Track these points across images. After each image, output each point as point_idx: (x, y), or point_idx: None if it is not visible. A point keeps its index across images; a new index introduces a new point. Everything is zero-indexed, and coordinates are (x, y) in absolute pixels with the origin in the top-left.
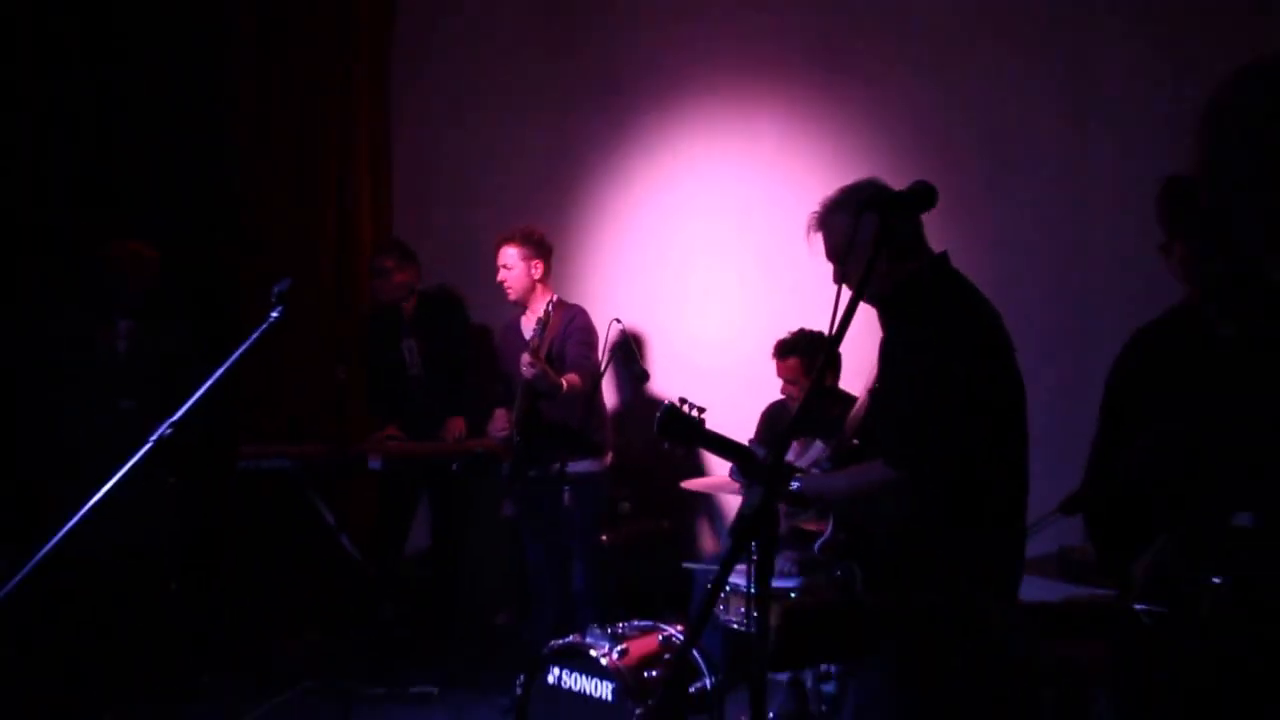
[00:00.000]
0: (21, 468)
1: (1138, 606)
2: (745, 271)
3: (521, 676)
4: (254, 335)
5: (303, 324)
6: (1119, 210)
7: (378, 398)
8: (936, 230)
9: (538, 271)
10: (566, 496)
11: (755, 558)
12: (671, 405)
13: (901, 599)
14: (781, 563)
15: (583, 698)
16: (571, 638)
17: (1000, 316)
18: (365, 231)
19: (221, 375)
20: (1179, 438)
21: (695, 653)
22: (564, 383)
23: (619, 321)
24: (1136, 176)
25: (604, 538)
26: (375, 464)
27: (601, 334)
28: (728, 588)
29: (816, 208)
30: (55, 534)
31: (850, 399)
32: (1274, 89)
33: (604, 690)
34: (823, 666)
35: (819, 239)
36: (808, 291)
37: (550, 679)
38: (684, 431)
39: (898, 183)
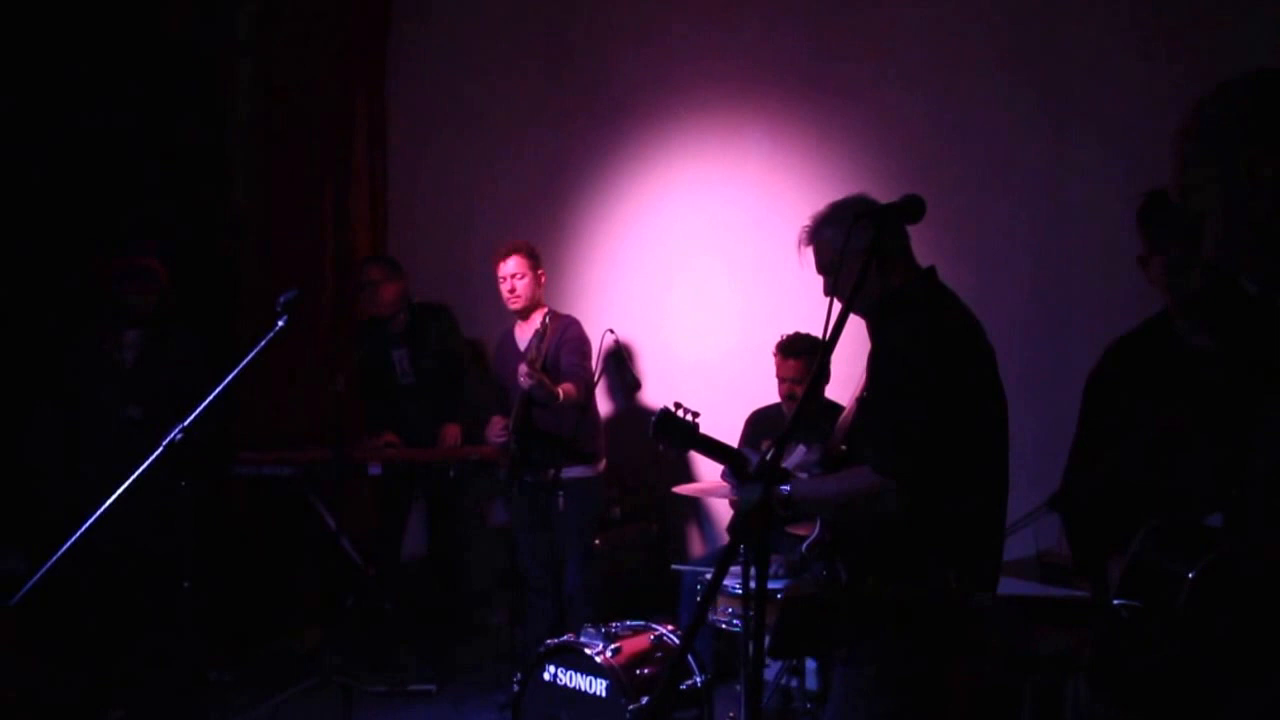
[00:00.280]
0: (30, 474)
1: (1116, 601)
2: (733, 283)
3: (518, 674)
4: (262, 343)
5: (302, 335)
6: (1098, 224)
7: (372, 407)
8: (919, 245)
9: (541, 281)
10: (561, 501)
11: (753, 553)
12: (667, 409)
13: (886, 590)
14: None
15: (577, 694)
16: (566, 637)
17: (983, 327)
18: (362, 246)
19: (229, 382)
20: (1147, 447)
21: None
22: (560, 392)
23: (612, 332)
24: (1115, 191)
25: (596, 541)
26: (375, 470)
27: (595, 344)
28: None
29: (806, 223)
30: (65, 536)
31: (836, 407)
32: (1246, 106)
33: (598, 687)
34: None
35: (809, 254)
36: (794, 302)
37: (546, 676)
38: (678, 434)
39: (883, 198)
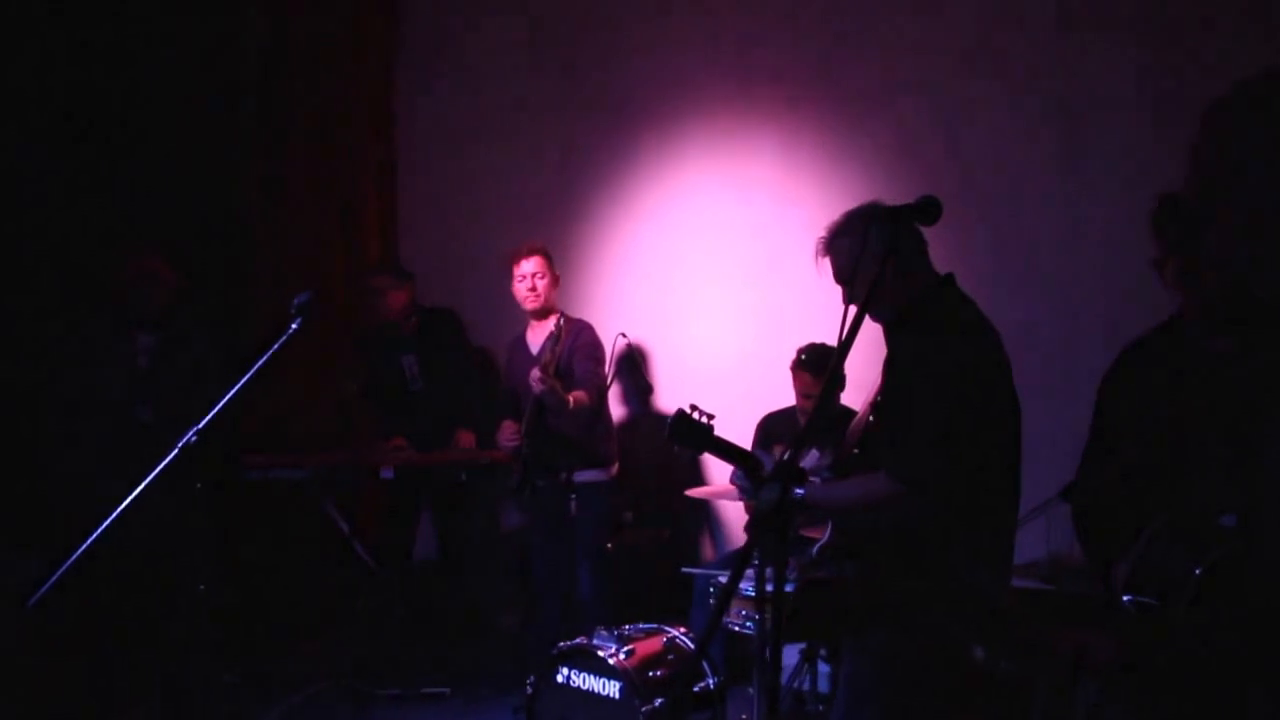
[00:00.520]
0: (43, 477)
1: (1125, 598)
2: (745, 287)
3: (532, 676)
4: (275, 345)
5: (314, 339)
6: (1111, 229)
7: (382, 412)
8: (933, 251)
9: (558, 282)
10: (573, 505)
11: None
12: (682, 411)
13: (898, 584)
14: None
15: (591, 695)
16: (579, 639)
17: (999, 335)
18: (372, 249)
19: (244, 384)
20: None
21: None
22: (571, 399)
23: (624, 336)
24: (1128, 197)
25: (608, 545)
26: (388, 473)
27: (607, 348)
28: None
29: (823, 233)
30: (78, 539)
31: (850, 413)
32: (1260, 111)
33: (611, 689)
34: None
35: (826, 265)
36: (807, 306)
37: (559, 678)
38: (693, 437)
39: (894, 203)
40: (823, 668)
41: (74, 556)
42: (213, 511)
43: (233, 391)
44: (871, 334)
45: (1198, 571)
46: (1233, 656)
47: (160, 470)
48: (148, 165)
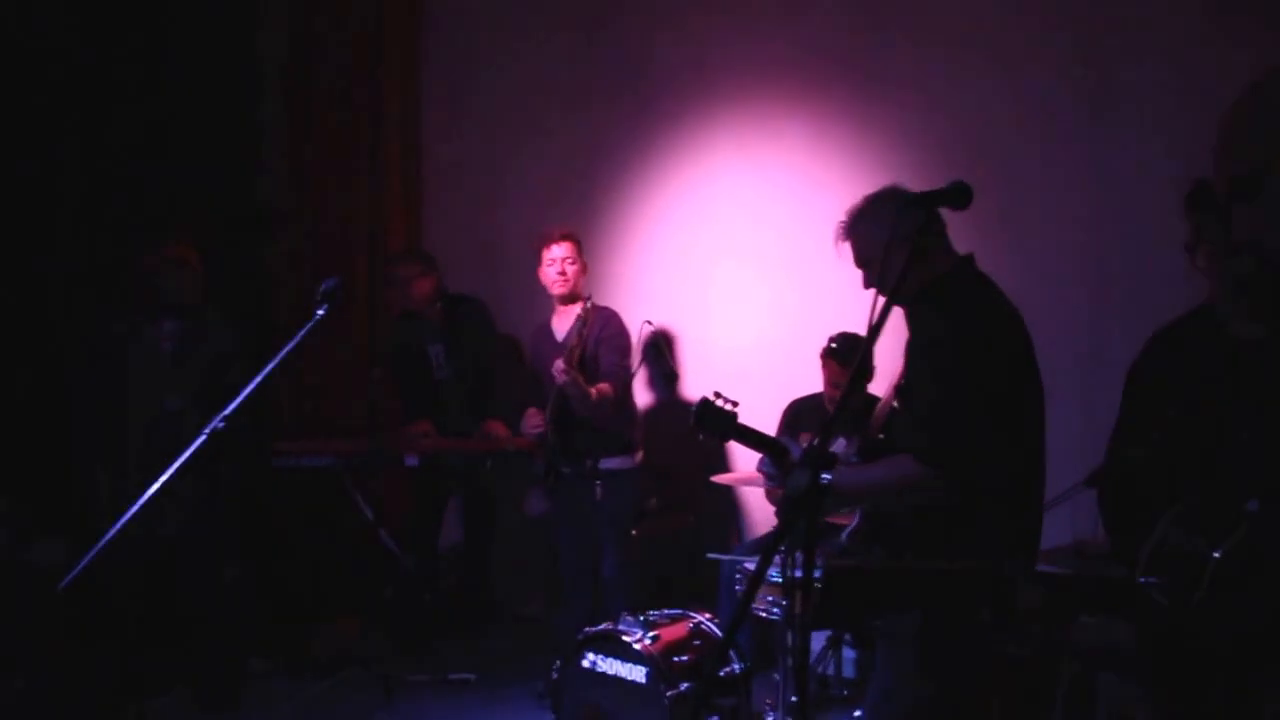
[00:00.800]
0: (72, 465)
1: (1142, 580)
2: (773, 272)
3: (558, 661)
4: (301, 332)
5: (339, 327)
6: (1144, 211)
7: (409, 400)
8: (963, 232)
9: (586, 269)
10: (598, 492)
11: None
12: (707, 399)
13: (927, 566)
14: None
15: (617, 680)
16: (605, 625)
17: (1020, 315)
18: (396, 234)
19: (270, 370)
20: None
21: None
22: (594, 392)
23: (650, 323)
24: (1160, 180)
25: (634, 531)
26: (412, 460)
27: (633, 334)
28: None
29: (843, 217)
30: (106, 527)
31: (877, 401)
32: None
33: (637, 673)
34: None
35: (846, 248)
36: (834, 293)
37: (585, 663)
38: (719, 424)
39: (922, 187)
40: (847, 653)
41: (103, 541)
42: (240, 497)
43: (259, 378)
44: (900, 325)
45: (1216, 555)
46: (1250, 641)
47: (188, 456)
48: (174, 155)
